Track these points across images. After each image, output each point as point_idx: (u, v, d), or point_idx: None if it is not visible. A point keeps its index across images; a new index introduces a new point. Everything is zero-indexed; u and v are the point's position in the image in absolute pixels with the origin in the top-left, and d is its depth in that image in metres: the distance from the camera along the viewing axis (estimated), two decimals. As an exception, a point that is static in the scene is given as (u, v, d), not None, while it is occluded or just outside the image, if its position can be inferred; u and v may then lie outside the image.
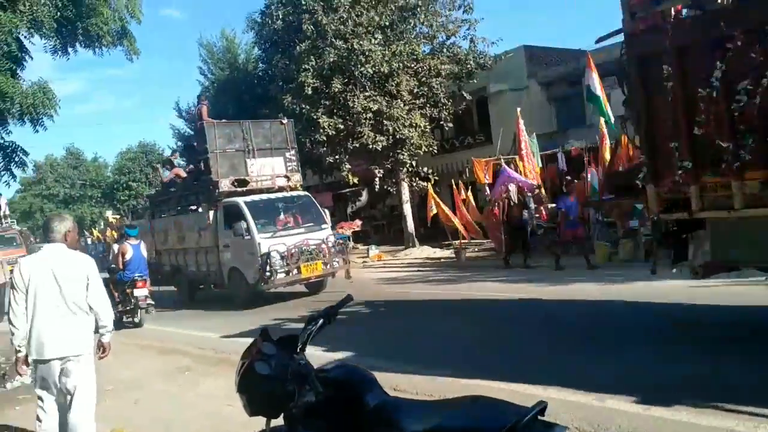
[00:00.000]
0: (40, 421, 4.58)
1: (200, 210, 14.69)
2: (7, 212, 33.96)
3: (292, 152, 14.79)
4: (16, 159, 7.41)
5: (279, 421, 2.77)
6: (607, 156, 15.54)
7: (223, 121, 15.84)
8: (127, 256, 11.76)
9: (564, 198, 13.94)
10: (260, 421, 2.82)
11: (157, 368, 8.01)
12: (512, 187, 15.76)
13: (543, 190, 17.16)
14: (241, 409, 2.79)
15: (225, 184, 13.49)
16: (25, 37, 6.66)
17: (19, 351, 4.56)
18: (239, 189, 13.68)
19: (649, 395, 4.90)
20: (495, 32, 42.87)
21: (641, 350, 6.36)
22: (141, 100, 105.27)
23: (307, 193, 15.15)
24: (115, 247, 13.24)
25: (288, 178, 14.57)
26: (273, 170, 14.37)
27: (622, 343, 6.76)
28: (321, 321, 2.89)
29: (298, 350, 2.81)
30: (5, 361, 9.44)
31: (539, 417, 2.22)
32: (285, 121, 15.23)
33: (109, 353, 5.00)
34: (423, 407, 2.62)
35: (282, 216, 13.54)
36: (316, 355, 2.97)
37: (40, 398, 4.60)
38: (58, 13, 6.45)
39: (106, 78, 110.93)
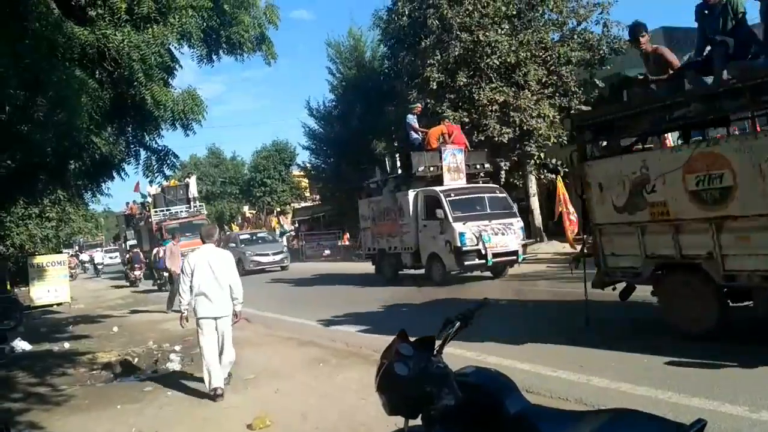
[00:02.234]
0: (203, 350, 6.94)
1: None
2: (196, 193, 30.81)
3: None
4: (168, 162, 8.07)
5: (417, 421, 2.78)
6: (761, 143, 14.18)
7: None
8: (160, 255, 19.24)
9: None
10: (396, 419, 2.84)
11: (295, 359, 8.36)
12: None
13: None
14: (375, 403, 2.83)
15: None
16: (175, 47, 7.20)
17: (183, 313, 7.16)
18: None
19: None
20: (631, 15, 40.56)
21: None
22: (274, 100, 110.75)
23: None
24: (161, 250, 19.48)
25: None
26: None
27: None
28: (458, 323, 2.86)
29: (435, 352, 2.80)
30: (157, 348, 10.31)
31: (698, 435, 2.05)
32: None
33: (241, 319, 7.56)
34: (568, 419, 2.50)
35: None
36: (450, 354, 2.94)
37: (204, 339, 6.92)
38: (204, 24, 6.88)
39: (242, 80, 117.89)
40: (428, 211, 15.03)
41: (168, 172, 8.48)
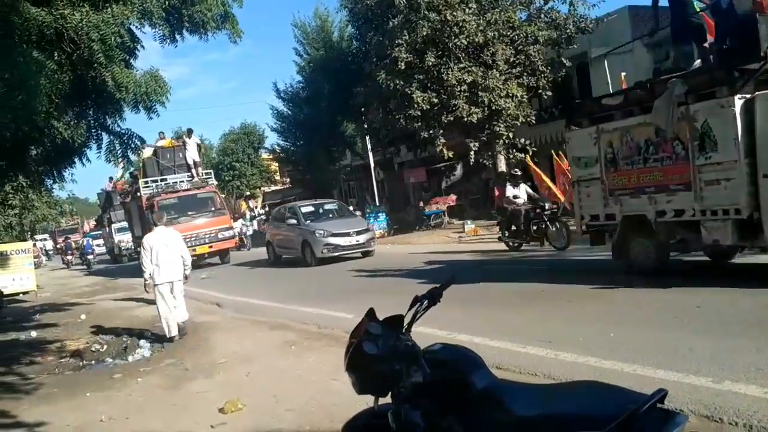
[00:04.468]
0: (161, 310, 9.08)
1: None
2: (197, 157, 22.82)
3: None
4: (132, 145, 7.91)
5: (386, 399, 2.80)
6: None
7: None
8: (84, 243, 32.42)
9: None
10: (367, 398, 2.86)
11: (266, 343, 8.33)
12: None
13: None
14: (347, 384, 2.83)
15: None
16: (137, 27, 7.03)
17: (147, 281, 9.25)
18: None
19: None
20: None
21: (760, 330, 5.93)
22: (241, 83, 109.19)
23: None
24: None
25: None
26: None
27: (739, 323, 6.32)
28: (426, 302, 2.88)
29: (404, 330, 2.82)
30: (126, 335, 10.20)
31: (658, 404, 2.12)
32: None
33: (188, 282, 9.73)
34: (533, 392, 2.56)
35: None
36: (420, 333, 2.96)
37: (161, 300, 9.04)
38: (166, 2, 6.72)
39: (208, 63, 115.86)
40: None
41: (132, 157, 8.37)
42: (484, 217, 23.84)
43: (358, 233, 17.82)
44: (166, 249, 8.97)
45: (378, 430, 2.85)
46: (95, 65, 6.27)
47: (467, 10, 19.62)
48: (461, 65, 19.75)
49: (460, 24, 19.33)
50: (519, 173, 15.89)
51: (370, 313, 2.85)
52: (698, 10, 9.40)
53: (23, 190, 17.14)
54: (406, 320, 2.84)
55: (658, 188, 8.84)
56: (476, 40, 19.49)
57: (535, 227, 14.21)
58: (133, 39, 7.03)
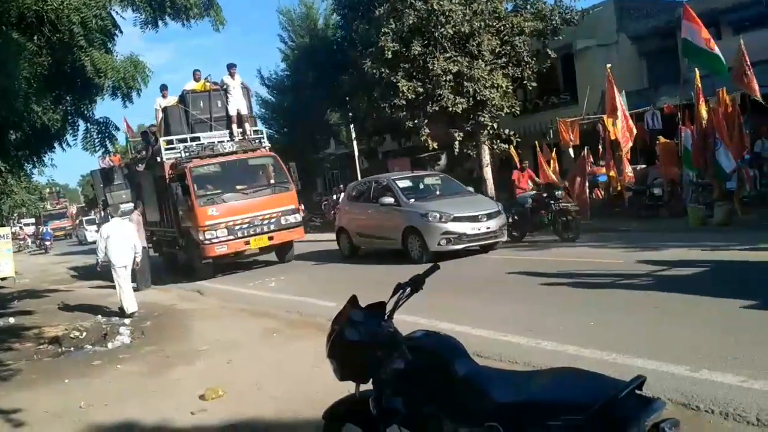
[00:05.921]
0: (120, 288, 10.61)
1: None
2: (243, 108, 16.30)
3: None
4: (109, 135, 7.76)
5: (368, 386, 2.81)
6: (704, 114, 14.61)
7: None
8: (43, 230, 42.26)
9: None
10: (348, 384, 2.87)
11: (249, 330, 8.31)
12: None
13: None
14: (329, 371, 2.84)
15: None
16: (117, 12, 6.92)
17: (100, 264, 11.04)
18: None
19: (748, 369, 4.64)
20: (582, -14, 41.05)
21: (743, 320, 6.02)
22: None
23: None
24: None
25: None
26: None
27: (719, 312, 6.41)
28: (408, 289, 2.88)
29: (386, 318, 2.82)
30: (106, 322, 10.13)
31: (636, 391, 2.15)
32: None
33: (141, 263, 11.82)
34: (513, 378, 2.58)
35: None
36: (403, 321, 2.96)
37: (118, 279, 10.60)
38: (149, -15, 6.64)
39: (191, 48, 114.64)
40: None
41: (111, 148, 8.18)
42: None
43: (489, 217, 12.69)
44: (121, 238, 10.68)
45: (359, 416, 2.86)
46: (74, 49, 6.17)
47: (453, -1, 19.55)
48: (447, 55, 19.69)
49: (447, 13, 19.24)
50: None
51: (353, 300, 2.85)
52: None
53: (2, 175, 16.87)
54: (389, 307, 2.84)
55: None
56: (462, 29, 19.41)
57: None
58: (113, 23, 6.92)
